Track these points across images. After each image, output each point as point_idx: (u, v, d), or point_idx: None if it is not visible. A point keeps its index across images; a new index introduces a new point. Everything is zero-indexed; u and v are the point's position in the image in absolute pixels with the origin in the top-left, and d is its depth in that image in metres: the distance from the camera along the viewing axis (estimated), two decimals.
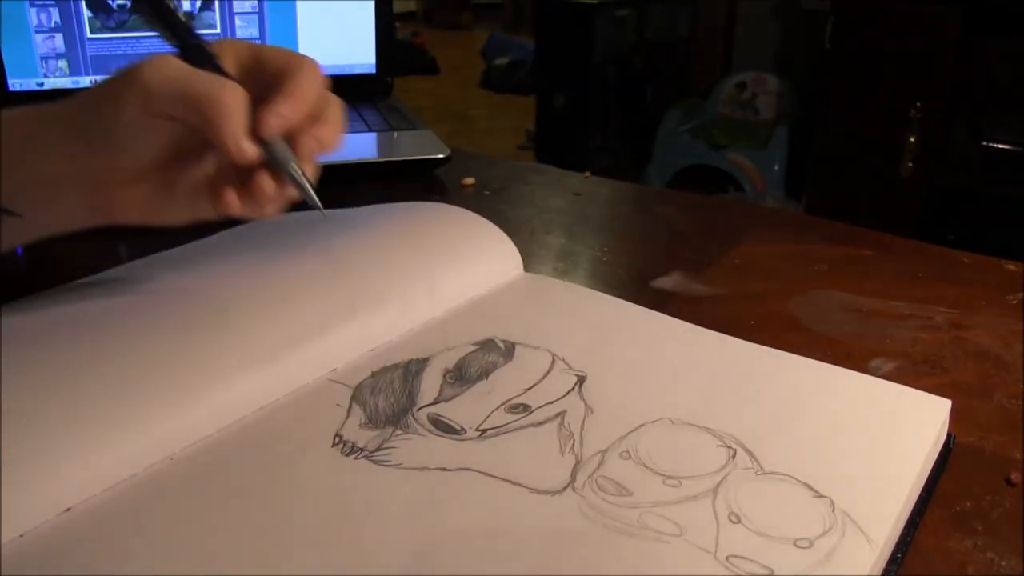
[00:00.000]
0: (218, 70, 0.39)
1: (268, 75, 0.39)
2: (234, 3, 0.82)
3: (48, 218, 0.39)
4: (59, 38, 0.78)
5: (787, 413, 0.37)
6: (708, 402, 0.38)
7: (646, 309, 0.46)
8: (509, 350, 0.42)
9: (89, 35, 0.79)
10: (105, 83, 0.38)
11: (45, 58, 0.78)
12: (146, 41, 0.80)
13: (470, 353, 0.41)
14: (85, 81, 0.79)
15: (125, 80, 0.37)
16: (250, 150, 0.37)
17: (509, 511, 0.31)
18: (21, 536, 0.29)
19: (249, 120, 0.37)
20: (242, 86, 0.38)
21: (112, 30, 0.79)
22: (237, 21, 0.82)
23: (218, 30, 0.82)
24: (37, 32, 0.77)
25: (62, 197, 0.39)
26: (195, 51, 0.39)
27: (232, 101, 0.36)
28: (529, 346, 0.42)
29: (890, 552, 0.31)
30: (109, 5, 0.78)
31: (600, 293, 0.48)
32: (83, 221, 0.40)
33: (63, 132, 0.38)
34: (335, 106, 0.41)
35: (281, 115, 0.38)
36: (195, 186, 0.41)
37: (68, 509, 0.31)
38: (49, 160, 0.38)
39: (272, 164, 0.38)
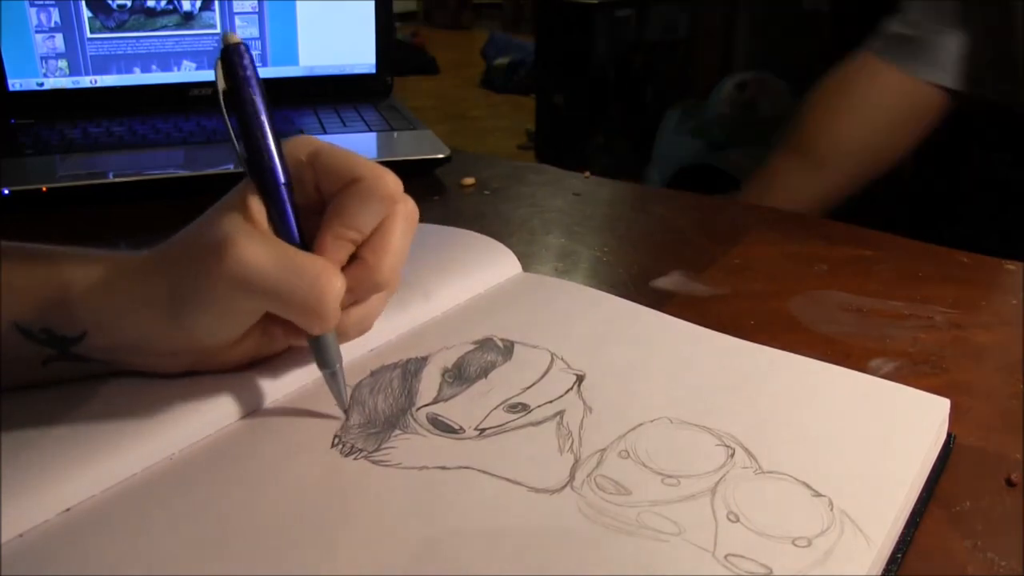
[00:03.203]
0: (285, 216, 0.34)
1: (333, 181, 0.35)
2: (234, 3, 0.82)
3: (127, 366, 0.36)
4: (59, 38, 0.78)
5: (786, 412, 0.37)
6: (707, 401, 0.38)
7: (645, 308, 0.46)
8: (508, 349, 0.42)
9: (89, 35, 0.79)
10: (186, 258, 0.33)
11: (45, 58, 0.78)
12: (146, 41, 0.80)
13: (469, 352, 0.41)
14: (85, 81, 0.79)
15: (209, 263, 0.32)
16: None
17: (508, 510, 0.31)
18: (21, 536, 0.29)
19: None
20: (297, 185, 0.35)
21: (112, 30, 0.79)
22: (237, 21, 0.83)
23: (218, 30, 0.82)
24: (37, 32, 0.77)
25: (151, 361, 0.36)
26: (253, 165, 0.34)
27: (333, 308, 0.33)
28: (528, 345, 0.42)
29: (889, 552, 0.31)
30: (109, 5, 0.79)
31: (599, 291, 0.48)
32: (165, 371, 0.37)
33: (152, 313, 0.34)
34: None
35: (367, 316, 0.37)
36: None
37: (67, 509, 0.31)
38: (139, 331, 0.34)
39: (314, 352, 0.35)
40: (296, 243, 0.35)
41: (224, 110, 0.35)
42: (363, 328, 0.38)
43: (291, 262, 0.32)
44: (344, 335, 0.37)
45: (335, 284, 0.33)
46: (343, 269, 0.35)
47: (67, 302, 0.34)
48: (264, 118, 0.35)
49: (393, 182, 0.35)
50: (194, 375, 0.36)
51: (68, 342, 0.35)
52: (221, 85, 0.34)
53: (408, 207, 0.36)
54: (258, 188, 0.34)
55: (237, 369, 0.37)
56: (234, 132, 0.35)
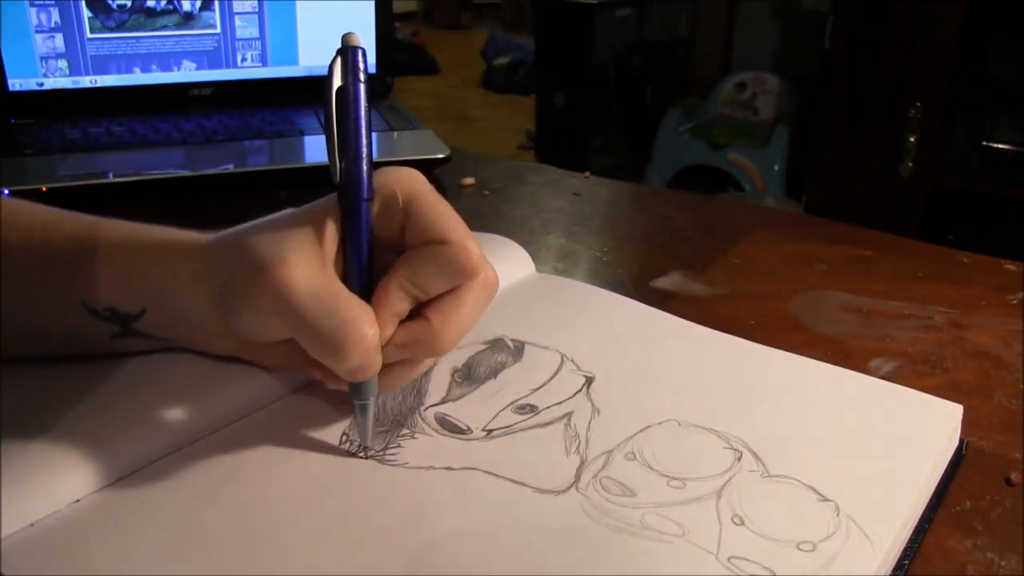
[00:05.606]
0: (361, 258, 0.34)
1: (420, 232, 0.34)
2: (234, 3, 0.82)
3: (183, 343, 0.38)
4: (59, 38, 0.78)
5: (796, 416, 0.37)
6: (716, 404, 0.37)
7: (656, 310, 0.46)
8: (519, 350, 0.42)
9: (89, 35, 0.79)
10: (243, 256, 0.33)
11: (45, 58, 0.78)
12: (146, 41, 0.80)
13: (479, 352, 0.41)
14: (85, 81, 0.79)
15: (258, 272, 0.32)
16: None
17: (511, 510, 0.31)
18: (32, 525, 0.30)
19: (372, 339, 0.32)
20: (381, 222, 0.35)
21: (112, 30, 0.79)
22: (237, 21, 0.82)
23: (218, 30, 0.82)
24: (37, 32, 0.77)
25: (201, 340, 0.37)
26: (344, 191, 0.34)
27: (358, 356, 0.32)
28: (539, 346, 0.42)
29: (896, 558, 0.31)
30: (109, 5, 0.78)
31: (611, 293, 0.48)
32: (215, 351, 0.38)
33: (203, 297, 0.35)
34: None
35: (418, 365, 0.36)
36: None
37: (77, 500, 0.31)
38: (190, 312, 0.36)
39: (349, 385, 0.34)
40: (361, 264, 0.34)
41: (331, 110, 0.33)
42: (400, 383, 0.36)
43: (328, 299, 0.32)
44: (382, 385, 0.35)
45: (365, 333, 0.32)
46: (403, 323, 0.34)
47: (128, 281, 0.36)
48: (363, 128, 0.34)
49: (476, 256, 0.34)
50: (202, 371, 0.37)
51: (130, 319, 0.36)
52: (336, 84, 0.33)
53: (487, 277, 0.34)
54: (339, 198, 0.34)
55: (277, 367, 0.37)
56: (334, 136, 0.33)
